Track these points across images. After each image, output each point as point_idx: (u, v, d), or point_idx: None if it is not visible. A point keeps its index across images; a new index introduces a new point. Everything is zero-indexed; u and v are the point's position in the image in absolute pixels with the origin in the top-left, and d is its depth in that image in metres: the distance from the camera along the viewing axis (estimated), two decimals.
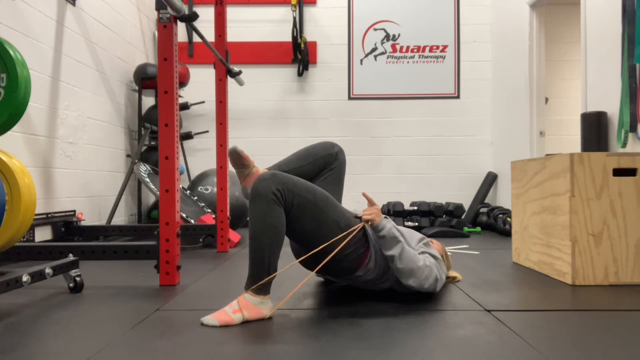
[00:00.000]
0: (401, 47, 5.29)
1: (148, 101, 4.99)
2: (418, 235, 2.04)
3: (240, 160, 1.88)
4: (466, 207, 5.07)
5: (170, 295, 2.00)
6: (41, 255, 2.29)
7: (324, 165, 1.99)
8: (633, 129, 2.86)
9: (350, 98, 5.29)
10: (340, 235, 1.75)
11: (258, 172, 1.89)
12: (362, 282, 1.92)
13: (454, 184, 5.26)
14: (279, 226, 1.64)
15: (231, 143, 5.12)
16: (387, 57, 5.29)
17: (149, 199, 4.98)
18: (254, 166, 1.91)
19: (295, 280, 2.10)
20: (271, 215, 1.63)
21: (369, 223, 1.80)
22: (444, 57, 5.30)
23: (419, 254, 1.89)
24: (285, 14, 5.28)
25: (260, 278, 1.63)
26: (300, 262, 1.85)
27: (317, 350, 1.33)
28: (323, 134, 5.24)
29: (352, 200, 5.20)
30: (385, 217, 1.97)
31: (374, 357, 1.28)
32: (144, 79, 4.48)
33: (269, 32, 5.28)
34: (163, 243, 2.17)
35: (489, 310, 1.74)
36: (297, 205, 1.68)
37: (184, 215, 3.63)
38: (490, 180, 5.09)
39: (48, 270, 1.88)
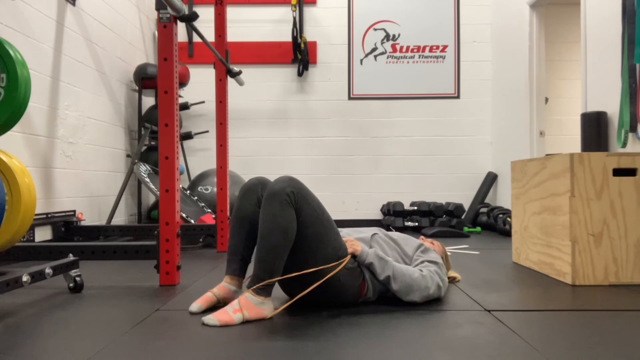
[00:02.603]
0: (401, 47, 5.29)
1: (148, 101, 4.99)
2: (415, 242, 2.01)
3: (210, 308, 1.76)
4: (466, 207, 5.07)
5: (170, 295, 2.00)
6: (41, 255, 2.29)
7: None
8: (633, 129, 2.86)
9: (350, 98, 5.29)
10: (332, 264, 1.70)
11: (228, 292, 1.77)
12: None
13: (454, 184, 5.26)
14: (289, 228, 1.63)
15: (231, 143, 5.14)
16: (387, 57, 5.29)
17: (149, 199, 4.98)
18: (217, 295, 1.76)
19: None
20: (283, 215, 1.62)
21: (354, 255, 1.79)
22: (444, 57, 5.30)
23: (418, 263, 1.88)
24: (285, 14, 5.28)
25: (264, 279, 1.62)
26: (280, 282, 1.75)
27: (317, 350, 1.33)
28: (323, 134, 5.24)
29: (352, 201, 5.23)
30: (375, 234, 1.94)
31: (374, 357, 1.28)
32: (144, 79, 4.48)
33: (269, 32, 5.28)
34: (163, 243, 2.17)
35: (489, 310, 1.74)
36: (306, 216, 1.67)
37: (184, 215, 3.63)
38: (490, 180, 5.09)
39: (48, 270, 1.88)
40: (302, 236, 1.67)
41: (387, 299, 1.87)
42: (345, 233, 1.96)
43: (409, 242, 2.00)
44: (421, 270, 1.81)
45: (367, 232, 1.96)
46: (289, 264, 1.69)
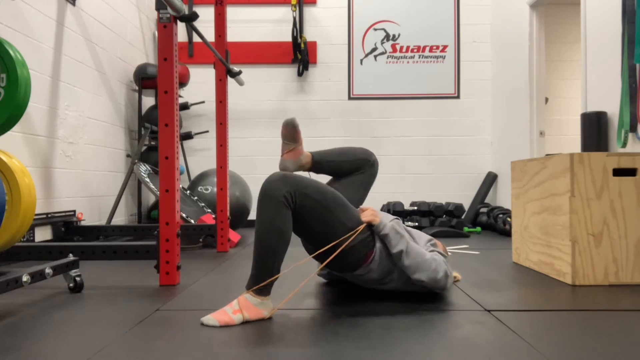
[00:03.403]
0: (401, 47, 5.29)
1: (148, 101, 4.99)
2: (426, 236, 2.05)
3: (293, 134, 1.96)
4: (466, 207, 5.07)
5: (170, 295, 2.00)
6: (41, 255, 2.29)
7: (359, 166, 2.06)
8: (633, 129, 2.86)
9: (350, 98, 5.29)
10: (346, 236, 1.76)
11: (302, 150, 1.99)
12: (364, 281, 1.92)
13: (454, 184, 5.26)
14: (285, 230, 1.64)
15: (231, 143, 5.13)
16: (387, 57, 5.29)
17: (149, 199, 4.98)
18: (301, 143, 1.99)
19: (296, 281, 2.10)
20: (279, 218, 1.63)
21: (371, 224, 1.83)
22: (444, 57, 5.30)
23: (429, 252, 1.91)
24: (285, 14, 5.28)
25: (262, 279, 1.63)
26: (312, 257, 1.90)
27: (317, 350, 1.33)
28: (323, 134, 5.24)
29: None
30: (397, 218, 1.98)
31: (374, 357, 1.28)
32: (144, 79, 4.48)
33: (269, 32, 5.28)
34: (163, 243, 2.17)
35: (489, 310, 1.74)
36: (307, 207, 1.69)
37: (184, 215, 3.63)
38: (490, 180, 5.09)
39: (48, 270, 1.88)
40: (309, 224, 1.74)
41: (387, 297, 1.88)
42: None
43: (420, 235, 2.05)
44: (432, 255, 1.84)
45: (387, 216, 1.99)
46: (309, 243, 1.86)
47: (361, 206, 1.93)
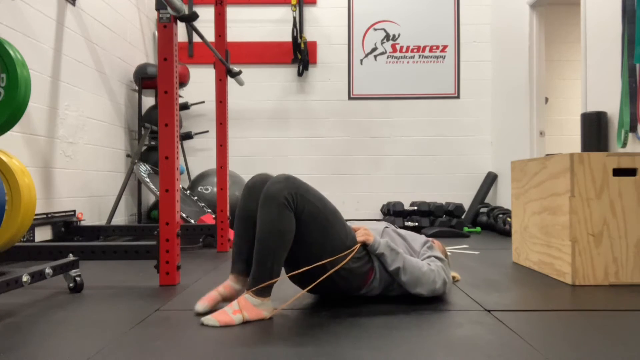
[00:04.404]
0: (401, 47, 5.29)
1: (148, 101, 4.99)
2: (421, 238, 2.04)
3: (216, 307, 1.73)
4: (466, 207, 5.07)
5: (170, 295, 2.00)
6: (41, 255, 2.29)
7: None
8: (633, 129, 2.86)
9: (350, 98, 5.29)
10: (341, 255, 1.72)
11: (218, 296, 1.75)
12: (368, 297, 1.91)
13: (454, 184, 5.25)
14: (287, 231, 1.63)
15: (231, 143, 5.14)
16: (387, 57, 5.29)
17: (149, 199, 4.98)
18: (213, 297, 1.73)
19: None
20: (281, 219, 1.62)
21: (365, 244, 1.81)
22: (444, 57, 5.29)
23: (425, 258, 1.90)
24: (285, 14, 5.28)
25: (263, 280, 1.62)
26: (290, 277, 1.77)
27: (317, 350, 1.33)
28: (323, 134, 5.24)
29: (352, 201, 5.23)
30: (387, 226, 1.97)
31: (374, 357, 1.28)
32: (144, 79, 4.48)
33: (269, 32, 5.29)
34: (163, 243, 2.17)
35: (489, 310, 1.74)
36: (307, 213, 1.67)
37: (184, 215, 3.63)
38: (490, 180, 5.09)
39: (48, 270, 1.88)
40: (306, 231, 1.68)
41: (388, 298, 1.87)
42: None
43: (415, 237, 2.03)
44: (429, 265, 1.83)
45: (378, 225, 1.98)
46: (298, 257, 1.71)
47: (352, 226, 1.88)
